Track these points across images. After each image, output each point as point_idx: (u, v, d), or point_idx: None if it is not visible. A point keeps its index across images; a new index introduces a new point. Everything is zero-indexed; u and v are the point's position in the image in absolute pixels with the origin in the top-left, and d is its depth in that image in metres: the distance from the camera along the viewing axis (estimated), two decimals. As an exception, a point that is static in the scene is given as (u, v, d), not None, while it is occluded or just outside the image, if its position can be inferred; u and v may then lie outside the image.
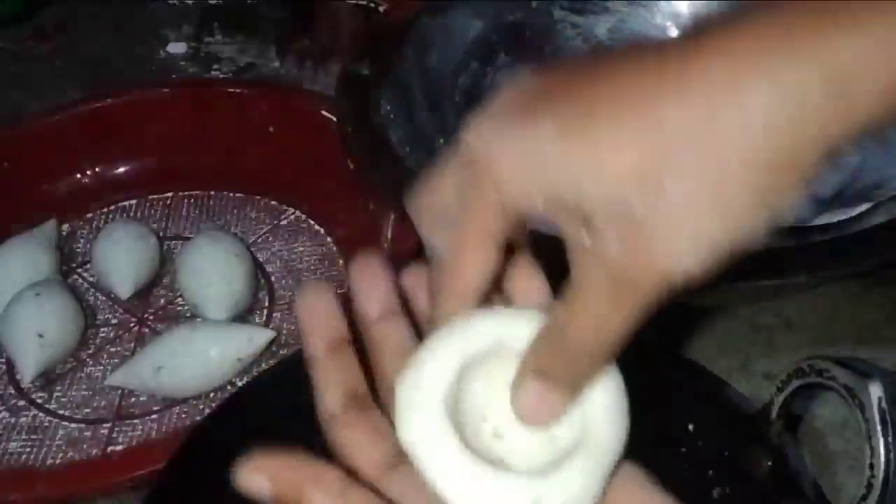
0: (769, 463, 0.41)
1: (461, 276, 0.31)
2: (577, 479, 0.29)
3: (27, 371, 0.62)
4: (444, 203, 0.31)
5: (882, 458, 0.36)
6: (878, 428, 0.35)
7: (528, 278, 0.32)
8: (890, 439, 0.35)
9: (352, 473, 0.29)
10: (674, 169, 0.26)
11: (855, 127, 0.26)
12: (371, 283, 0.32)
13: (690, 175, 0.26)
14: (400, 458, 0.29)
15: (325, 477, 0.28)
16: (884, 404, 0.36)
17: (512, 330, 0.31)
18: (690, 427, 0.46)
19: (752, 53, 0.26)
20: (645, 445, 0.48)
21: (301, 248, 0.71)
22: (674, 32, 0.75)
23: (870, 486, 0.36)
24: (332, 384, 0.31)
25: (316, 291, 0.32)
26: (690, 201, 0.26)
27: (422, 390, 0.29)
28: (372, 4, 0.82)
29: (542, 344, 0.30)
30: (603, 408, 0.30)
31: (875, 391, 0.36)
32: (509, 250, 0.32)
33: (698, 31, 0.27)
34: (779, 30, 0.26)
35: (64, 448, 0.59)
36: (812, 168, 0.26)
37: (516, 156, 0.28)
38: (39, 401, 0.62)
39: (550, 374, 0.30)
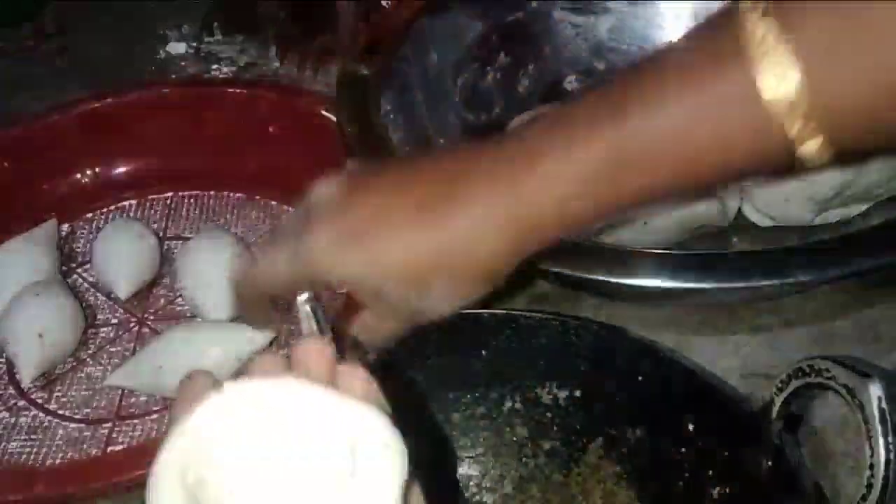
0: (769, 462, 0.41)
1: None
2: None
3: (27, 371, 0.62)
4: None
5: (882, 458, 0.35)
6: (878, 427, 0.35)
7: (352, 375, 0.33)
8: (890, 439, 0.35)
9: None
10: (441, 273, 0.39)
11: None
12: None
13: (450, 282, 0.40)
14: None
15: None
16: (883, 404, 0.36)
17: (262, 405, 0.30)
18: (691, 427, 0.46)
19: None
20: (646, 445, 0.48)
21: (301, 248, 0.71)
22: (672, 32, 0.76)
23: (870, 485, 0.36)
24: None
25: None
26: (450, 293, 0.40)
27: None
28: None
29: None
30: (370, 452, 0.29)
31: (875, 391, 0.36)
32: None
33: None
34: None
35: (64, 448, 0.59)
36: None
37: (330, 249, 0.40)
38: (39, 401, 0.62)
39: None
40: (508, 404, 0.51)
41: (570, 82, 0.76)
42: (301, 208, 0.43)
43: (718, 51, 0.35)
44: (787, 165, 0.36)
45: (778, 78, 0.33)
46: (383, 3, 0.82)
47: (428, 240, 0.39)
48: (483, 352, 0.50)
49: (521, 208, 0.38)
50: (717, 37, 0.36)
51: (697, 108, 0.35)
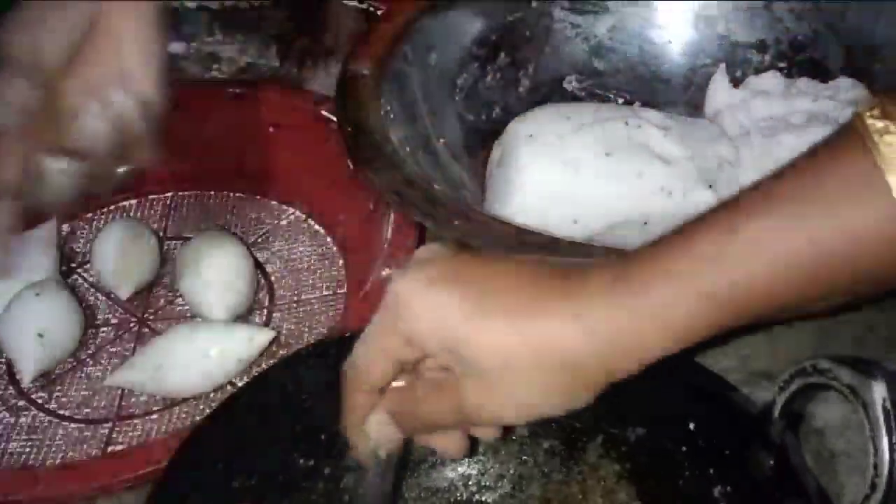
0: (771, 462, 0.41)
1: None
2: None
3: (27, 371, 0.62)
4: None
5: (886, 458, 0.35)
6: (882, 428, 0.35)
7: None
8: (894, 439, 0.35)
9: None
10: (523, 369, 0.38)
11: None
12: None
13: (532, 375, 0.38)
14: None
15: None
16: (888, 404, 0.35)
17: None
18: (692, 426, 0.46)
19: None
20: (646, 444, 0.48)
21: (301, 248, 0.71)
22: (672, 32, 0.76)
23: (874, 485, 0.36)
24: None
25: None
26: (528, 390, 0.38)
27: None
28: (371, 7, 0.82)
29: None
30: None
31: (879, 391, 0.36)
32: None
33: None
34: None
35: (64, 448, 0.59)
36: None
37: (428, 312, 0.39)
38: (39, 401, 0.62)
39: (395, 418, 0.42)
40: (508, 403, 0.51)
41: (570, 82, 0.76)
42: (388, 296, 0.40)
43: (847, 155, 0.35)
44: None
45: None
46: (383, 4, 0.82)
47: (559, 331, 0.37)
48: None
49: (631, 330, 0.37)
50: (845, 143, 0.36)
51: (826, 210, 0.35)
